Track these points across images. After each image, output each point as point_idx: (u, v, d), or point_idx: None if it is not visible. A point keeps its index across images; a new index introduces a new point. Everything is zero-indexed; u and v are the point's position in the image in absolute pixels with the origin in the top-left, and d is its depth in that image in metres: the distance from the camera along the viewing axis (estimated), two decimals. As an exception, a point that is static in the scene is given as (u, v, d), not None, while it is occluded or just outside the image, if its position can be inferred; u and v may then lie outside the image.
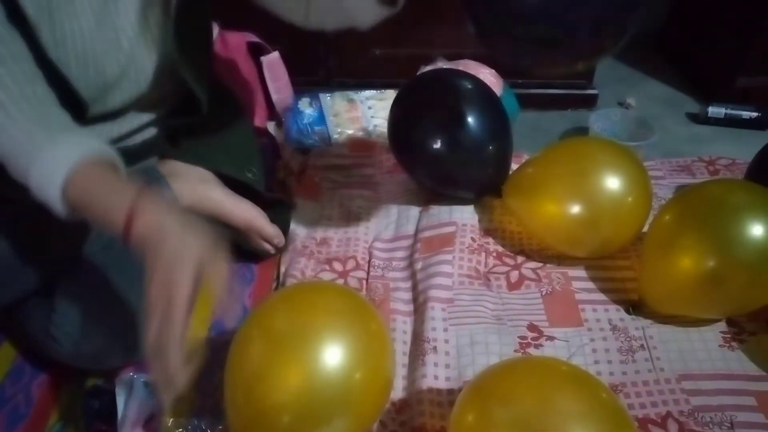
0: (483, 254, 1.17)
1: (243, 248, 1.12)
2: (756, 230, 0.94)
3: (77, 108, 0.82)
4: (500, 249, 1.19)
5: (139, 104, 0.93)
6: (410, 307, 1.08)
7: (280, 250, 1.15)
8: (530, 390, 0.70)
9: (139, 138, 0.97)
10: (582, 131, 1.53)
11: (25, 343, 0.99)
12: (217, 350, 1.00)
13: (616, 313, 1.06)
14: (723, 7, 1.69)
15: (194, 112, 1.00)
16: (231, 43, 1.40)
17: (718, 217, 0.97)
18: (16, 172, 0.72)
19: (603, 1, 0.79)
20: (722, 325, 1.04)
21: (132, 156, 0.99)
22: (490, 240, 1.21)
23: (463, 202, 1.26)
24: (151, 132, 0.99)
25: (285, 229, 1.17)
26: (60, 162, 0.70)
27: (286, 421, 0.73)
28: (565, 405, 0.68)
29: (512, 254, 1.18)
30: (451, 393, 0.92)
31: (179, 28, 0.89)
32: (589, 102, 1.66)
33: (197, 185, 1.05)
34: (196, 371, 0.70)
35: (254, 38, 1.44)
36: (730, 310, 1.02)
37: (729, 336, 1.02)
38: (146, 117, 0.97)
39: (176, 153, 1.05)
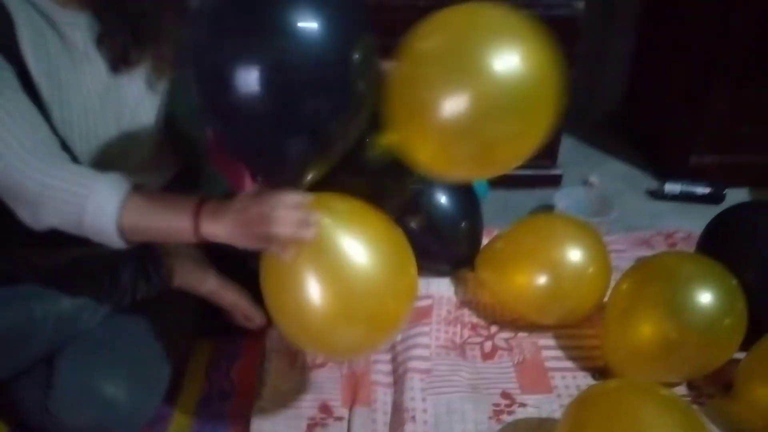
0: (458, 326, 1.24)
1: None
2: (705, 298, 1.03)
3: None
4: (474, 320, 1.26)
5: (140, 173, 1.01)
6: (390, 379, 1.13)
7: (265, 327, 1.20)
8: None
9: None
10: (548, 208, 1.63)
11: (19, 422, 1.02)
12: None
13: (584, 379, 1.12)
14: (673, 90, 1.85)
15: (191, 184, 1.09)
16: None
17: (670, 287, 1.05)
18: (68, 221, 0.81)
19: None
20: (683, 389, 1.11)
21: None
22: (465, 311, 1.28)
23: (440, 274, 1.33)
24: None
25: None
26: (111, 192, 0.81)
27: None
28: None
29: (486, 325, 1.25)
30: (430, 461, 0.97)
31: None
32: (555, 181, 1.77)
33: (193, 268, 1.11)
34: None
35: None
36: (688, 374, 1.09)
37: (689, 399, 1.09)
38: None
39: None
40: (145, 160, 1.00)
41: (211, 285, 1.12)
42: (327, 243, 0.83)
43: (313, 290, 0.82)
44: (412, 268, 0.93)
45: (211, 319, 1.17)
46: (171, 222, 0.84)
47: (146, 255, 1.08)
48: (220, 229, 0.82)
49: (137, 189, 0.84)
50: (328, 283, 0.83)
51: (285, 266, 0.83)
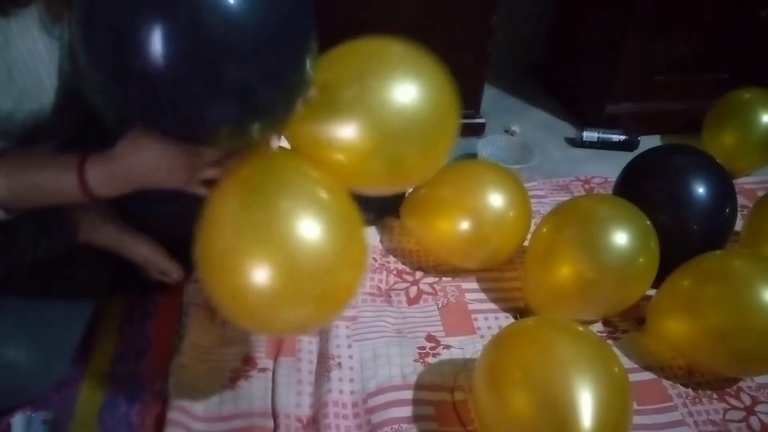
0: (384, 273, 1.23)
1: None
2: (620, 239, 1.06)
3: None
4: (400, 267, 1.26)
5: (38, 134, 0.92)
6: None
7: (182, 282, 1.15)
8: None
9: None
10: (472, 156, 1.63)
11: None
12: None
13: (506, 320, 1.15)
14: (590, 41, 1.88)
15: (97, 140, 1.00)
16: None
17: (587, 229, 1.08)
18: None
19: None
20: (599, 325, 1.15)
21: None
22: (391, 259, 1.27)
23: (365, 223, 1.31)
24: None
25: (189, 260, 1.17)
26: None
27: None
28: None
29: (411, 271, 1.25)
30: (356, 405, 0.96)
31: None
32: (478, 130, 1.78)
33: (100, 222, 1.04)
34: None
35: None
36: (604, 311, 1.14)
37: (605, 334, 1.14)
38: (45, 146, 0.96)
39: None
40: (42, 122, 0.90)
41: (120, 239, 1.06)
42: (264, 209, 0.74)
43: (253, 268, 0.72)
44: (361, 231, 0.84)
45: (125, 274, 1.11)
46: (51, 182, 0.77)
47: (47, 210, 1.00)
48: (109, 185, 0.77)
49: (6, 151, 0.76)
50: (269, 259, 0.72)
51: (220, 237, 0.75)
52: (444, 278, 1.23)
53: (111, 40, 0.60)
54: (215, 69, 0.60)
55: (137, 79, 0.61)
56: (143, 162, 0.75)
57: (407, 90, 0.80)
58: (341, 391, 0.98)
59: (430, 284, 1.22)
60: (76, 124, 0.98)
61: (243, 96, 0.64)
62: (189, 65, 0.59)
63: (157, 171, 0.75)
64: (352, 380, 1.00)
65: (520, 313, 1.15)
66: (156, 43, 0.57)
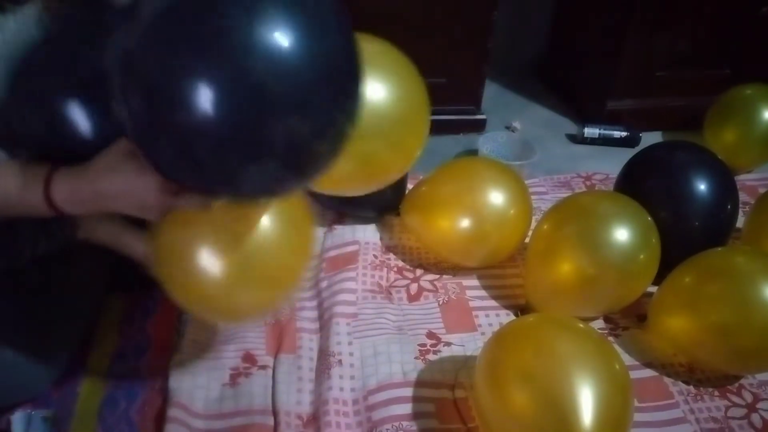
0: (385, 270, 1.23)
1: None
2: (620, 235, 1.05)
3: None
4: (400, 264, 1.26)
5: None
6: (316, 325, 1.11)
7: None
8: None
9: None
10: (473, 153, 1.63)
11: None
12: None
13: (507, 317, 1.14)
14: (592, 38, 1.88)
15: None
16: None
17: (588, 225, 1.08)
18: None
19: None
20: (600, 322, 1.15)
21: None
22: (391, 256, 1.27)
23: (365, 221, 1.32)
24: None
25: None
26: None
27: None
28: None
29: (411, 268, 1.25)
30: (356, 403, 0.96)
31: None
32: (479, 126, 1.78)
33: (99, 219, 1.03)
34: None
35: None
36: (605, 308, 1.14)
37: (606, 332, 1.13)
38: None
39: None
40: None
41: (120, 236, 1.05)
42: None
43: (205, 254, 0.76)
44: (310, 222, 0.89)
45: (125, 272, 1.11)
46: (21, 193, 0.73)
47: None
48: (76, 204, 0.74)
49: None
50: (220, 246, 0.77)
51: (173, 228, 0.77)
52: (445, 275, 1.23)
53: (145, 89, 0.54)
54: (265, 122, 0.54)
55: (172, 133, 0.55)
56: (116, 189, 0.72)
57: (375, 87, 0.80)
58: (342, 389, 0.98)
59: (431, 281, 1.21)
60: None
61: (291, 151, 0.58)
62: (233, 120, 0.53)
63: (127, 200, 0.73)
64: (352, 377, 1.00)
65: (521, 310, 1.15)
66: (198, 95, 0.51)
